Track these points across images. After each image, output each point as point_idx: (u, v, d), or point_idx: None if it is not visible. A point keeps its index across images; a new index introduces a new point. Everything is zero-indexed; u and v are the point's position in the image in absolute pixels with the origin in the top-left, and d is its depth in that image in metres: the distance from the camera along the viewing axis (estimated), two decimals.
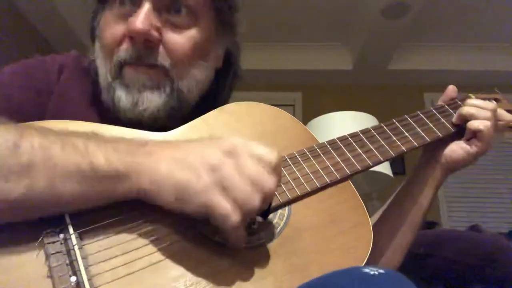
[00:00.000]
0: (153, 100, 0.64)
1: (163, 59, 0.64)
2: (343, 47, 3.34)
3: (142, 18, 0.62)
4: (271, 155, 0.50)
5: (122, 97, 0.64)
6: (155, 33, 0.63)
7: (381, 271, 0.43)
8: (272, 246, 0.54)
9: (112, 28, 0.65)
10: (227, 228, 0.48)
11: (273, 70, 3.34)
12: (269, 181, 0.49)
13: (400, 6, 2.64)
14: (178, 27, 0.66)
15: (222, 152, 0.49)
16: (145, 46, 0.63)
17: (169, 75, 0.65)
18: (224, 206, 0.46)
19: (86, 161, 0.48)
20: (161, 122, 0.66)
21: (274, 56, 3.30)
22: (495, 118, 0.74)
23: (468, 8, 2.89)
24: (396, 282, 0.43)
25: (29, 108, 0.66)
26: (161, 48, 0.64)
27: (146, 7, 0.63)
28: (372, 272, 0.43)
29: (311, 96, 3.43)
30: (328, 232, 0.57)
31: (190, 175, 0.47)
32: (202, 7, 0.68)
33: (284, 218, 0.58)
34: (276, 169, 0.50)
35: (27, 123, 0.54)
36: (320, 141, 0.69)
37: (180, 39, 0.65)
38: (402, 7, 2.65)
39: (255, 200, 0.47)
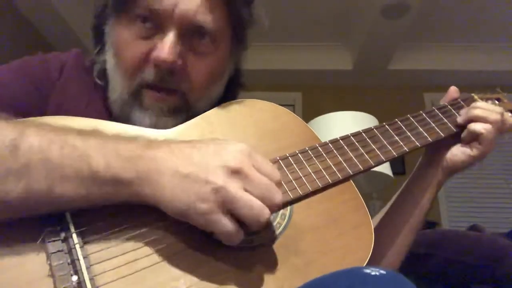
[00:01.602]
0: (169, 123, 0.65)
1: (183, 83, 0.65)
2: (343, 47, 3.33)
3: (169, 48, 0.62)
4: (276, 173, 0.51)
5: (140, 119, 0.65)
6: (179, 62, 0.63)
7: (382, 271, 0.43)
8: (273, 246, 0.54)
9: (133, 48, 0.65)
10: (227, 243, 0.49)
11: (273, 70, 3.33)
12: (276, 197, 0.49)
13: (400, 6, 2.64)
14: (200, 53, 0.66)
15: (227, 171, 0.48)
16: (168, 72, 0.63)
17: (187, 100, 0.66)
18: (227, 227, 0.47)
19: (85, 164, 0.47)
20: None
21: (274, 56, 3.30)
22: (501, 121, 0.73)
23: (467, 8, 2.88)
24: (397, 283, 0.43)
25: (30, 105, 0.66)
26: (182, 72, 0.65)
27: (172, 35, 0.62)
28: (373, 273, 0.43)
29: (311, 96, 3.43)
30: (330, 232, 0.57)
31: (194, 196, 0.47)
32: (224, 31, 0.68)
33: (286, 218, 0.58)
34: (280, 184, 0.51)
35: (26, 119, 0.54)
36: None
37: (202, 66, 0.66)
38: (402, 7, 2.65)
39: (264, 217, 0.47)
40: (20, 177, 0.46)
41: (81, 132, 0.50)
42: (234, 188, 0.47)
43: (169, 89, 0.65)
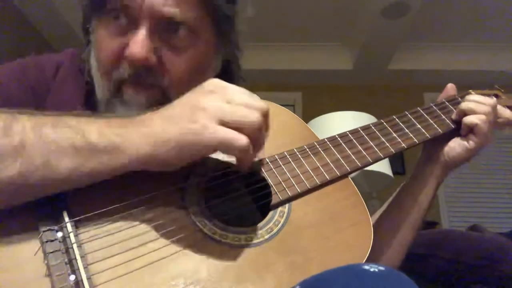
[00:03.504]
0: None
1: (161, 79, 0.64)
2: (343, 47, 3.34)
3: (140, 44, 0.60)
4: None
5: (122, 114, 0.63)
6: (153, 58, 0.62)
7: (381, 268, 0.43)
8: (272, 243, 0.54)
9: (108, 44, 0.64)
10: (238, 153, 0.49)
11: (273, 70, 3.34)
12: (258, 102, 0.51)
13: (400, 6, 2.64)
14: (177, 48, 0.64)
15: (206, 92, 0.51)
16: (144, 68, 0.62)
17: (167, 95, 0.64)
18: (227, 134, 0.48)
19: (79, 136, 0.48)
20: None
21: (274, 56, 3.30)
22: (494, 113, 0.74)
23: (467, 8, 2.89)
24: (396, 280, 0.43)
25: (26, 106, 0.66)
26: (159, 69, 0.63)
27: (144, 30, 0.61)
28: (372, 269, 0.43)
29: (311, 96, 3.43)
30: (328, 229, 0.57)
31: (184, 122, 0.48)
32: (201, 23, 0.65)
33: (284, 216, 0.57)
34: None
35: (19, 109, 0.54)
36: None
37: (179, 61, 0.64)
38: (402, 7, 2.65)
39: (255, 117, 0.49)
40: (16, 155, 0.46)
41: (72, 114, 0.52)
42: (218, 101, 0.50)
43: (147, 84, 0.64)
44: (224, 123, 0.48)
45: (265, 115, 0.52)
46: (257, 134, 0.50)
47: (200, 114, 0.49)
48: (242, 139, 0.48)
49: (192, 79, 0.65)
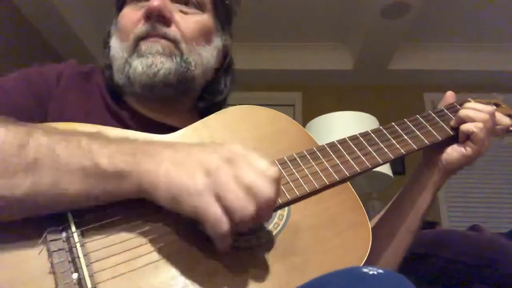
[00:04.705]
0: (165, 63, 0.71)
1: (174, 32, 0.73)
2: (343, 47, 3.34)
3: None
4: (272, 169, 0.49)
5: (138, 65, 0.70)
6: (168, 13, 0.72)
7: (380, 271, 0.43)
8: (271, 245, 0.54)
9: (129, 15, 0.75)
10: (213, 234, 0.47)
11: (273, 70, 3.34)
12: (267, 190, 0.47)
13: (400, 6, 2.64)
14: (186, 14, 0.75)
15: (220, 158, 0.49)
16: (158, 21, 0.72)
17: (179, 47, 0.73)
18: (214, 212, 0.46)
19: (90, 160, 0.49)
20: (172, 91, 0.73)
21: (274, 56, 3.30)
22: (492, 121, 0.74)
23: (468, 8, 2.89)
24: (396, 283, 0.43)
25: (31, 112, 0.68)
26: (172, 26, 0.73)
27: None
28: (371, 272, 0.43)
29: (311, 96, 3.43)
30: (327, 232, 0.57)
31: (186, 177, 0.47)
32: (207, 4, 0.78)
33: (283, 219, 0.58)
34: (276, 181, 0.48)
35: (34, 123, 0.55)
36: (320, 141, 0.70)
37: (189, 21, 0.75)
38: (402, 7, 2.65)
39: (249, 209, 0.46)
40: (28, 172, 0.47)
41: (85, 134, 0.52)
42: (226, 173, 0.47)
43: (161, 34, 0.72)
44: (219, 199, 0.46)
45: (269, 206, 0.48)
46: (243, 225, 0.47)
47: (203, 177, 0.47)
48: (222, 227, 0.45)
49: (199, 41, 0.76)
